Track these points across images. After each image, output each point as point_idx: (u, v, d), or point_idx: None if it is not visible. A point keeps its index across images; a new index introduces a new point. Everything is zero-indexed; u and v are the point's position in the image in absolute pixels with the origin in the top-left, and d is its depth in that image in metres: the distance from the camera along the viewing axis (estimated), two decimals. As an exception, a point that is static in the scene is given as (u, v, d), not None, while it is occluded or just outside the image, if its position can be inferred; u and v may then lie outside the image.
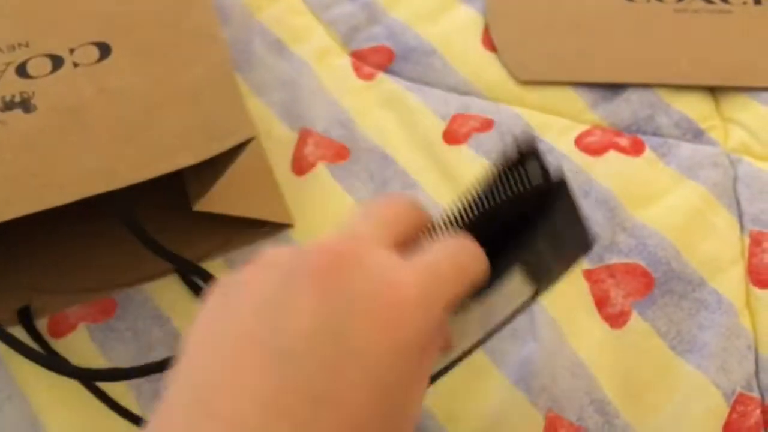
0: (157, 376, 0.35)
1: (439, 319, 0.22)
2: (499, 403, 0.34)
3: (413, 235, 0.25)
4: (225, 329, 0.21)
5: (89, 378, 0.27)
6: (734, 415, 0.33)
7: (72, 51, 0.36)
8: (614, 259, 0.37)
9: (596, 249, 0.38)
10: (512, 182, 0.24)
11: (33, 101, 0.34)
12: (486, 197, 0.24)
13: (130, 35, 0.37)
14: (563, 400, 0.34)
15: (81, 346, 0.37)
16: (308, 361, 0.20)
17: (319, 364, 0.20)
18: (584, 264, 0.37)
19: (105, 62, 0.36)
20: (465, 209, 0.25)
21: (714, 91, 0.45)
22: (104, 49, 0.36)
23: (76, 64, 0.36)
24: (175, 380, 0.22)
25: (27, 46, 0.37)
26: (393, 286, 0.21)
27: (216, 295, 0.23)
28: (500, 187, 0.24)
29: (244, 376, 0.20)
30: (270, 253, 0.23)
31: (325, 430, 0.20)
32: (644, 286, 0.37)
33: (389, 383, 0.21)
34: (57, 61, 0.36)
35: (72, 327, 0.38)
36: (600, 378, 0.34)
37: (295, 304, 0.21)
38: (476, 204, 0.25)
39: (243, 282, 0.23)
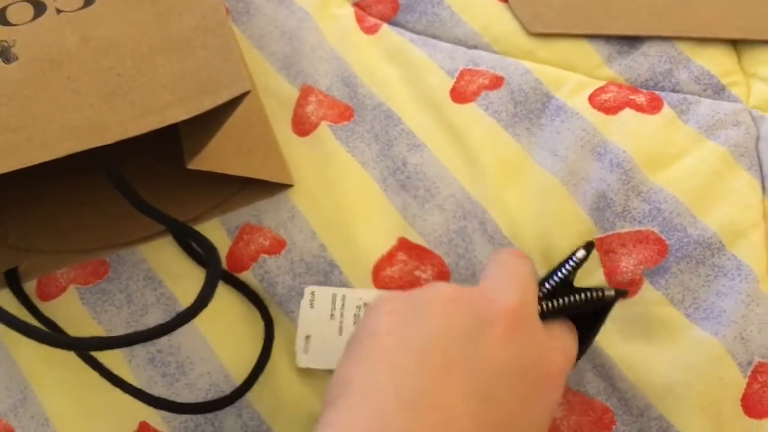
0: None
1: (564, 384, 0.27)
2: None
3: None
4: (427, 346, 0.24)
5: (81, 349, 0.25)
6: (755, 386, 0.31)
7: (55, -4, 0.34)
8: (626, 227, 0.36)
9: (608, 216, 0.36)
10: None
11: (14, 50, 0.32)
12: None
13: (117, -20, 0.34)
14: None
15: (71, 310, 0.36)
16: (503, 396, 0.24)
17: (511, 401, 0.24)
18: (596, 232, 0.36)
19: (90, 8, 0.33)
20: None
21: (737, 44, 0.42)
22: (89, -5, 0.34)
23: (59, 11, 0.33)
24: (369, 374, 0.24)
25: (7, -10, 0.34)
26: (552, 355, 0.26)
27: (399, 317, 0.26)
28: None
29: (449, 393, 0.23)
30: (451, 290, 0.26)
31: None
32: (657, 254, 0.35)
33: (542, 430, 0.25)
34: (39, 7, 0.34)
35: (62, 289, 0.36)
36: (605, 345, 0.33)
37: (491, 342, 0.25)
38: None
39: (430, 309, 0.26)
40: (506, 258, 0.29)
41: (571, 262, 0.29)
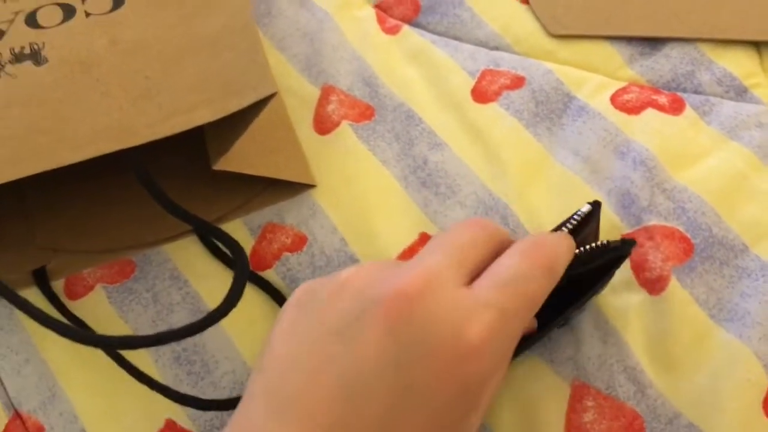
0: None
1: (507, 354, 0.24)
2: (522, 374, 0.33)
3: (490, 258, 0.26)
4: (304, 342, 0.24)
5: (109, 346, 0.26)
6: (777, 388, 0.31)
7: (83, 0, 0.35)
8: (653, 221, 0.36)
9: (634, 211, 0.36)
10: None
11: (44, 53, 0.33)
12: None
13: (144, -17, 0.35)
14: (591, 368, 0.33)
15: (98, 309, 0.36)
16: (374, 393, 0.22)
17: (383, 398, 0.22)
18: (623, 228, 0.36)
19: (118, 11, 0.34)
20: None
21: (759, 46, 0.42)
22: (117, -2, 0.34)
23: (88, 14, 0.34)
24: (257, 378, 0.24)
25: (36, -6, 0.35)
26: (458, 331, 0.23)
27: (298, 305, 0.25)
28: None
29: (317, 396, 0.22)
30: (352, 274, 0.25)
31: None
32: (683, 252, 0.35)
33: (448, 420, 0.23)
34: (68, 11, 0.34)
35: (89, 288, 0.37)
36: (633, 345, 0.33)
37: (363, 336, 0.23)
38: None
39: (324, 298, 0.25)
40: (450, 228, 0.27)
41: (574, 218, 0.28)
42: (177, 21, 0.33)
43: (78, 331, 0.26)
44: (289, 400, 0.23)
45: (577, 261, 0.28)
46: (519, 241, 0.26)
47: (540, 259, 0.25)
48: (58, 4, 0.34)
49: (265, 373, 0.24)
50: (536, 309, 0.25)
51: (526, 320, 0.25)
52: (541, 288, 0.25)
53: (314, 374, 0.23)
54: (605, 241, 0.29)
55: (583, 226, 0.29)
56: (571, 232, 0.29)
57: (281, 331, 0.25)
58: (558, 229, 0.30)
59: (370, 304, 0.23)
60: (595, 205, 0.30)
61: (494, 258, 0.25)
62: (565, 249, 0.26)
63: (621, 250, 0.28)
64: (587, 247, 0.28)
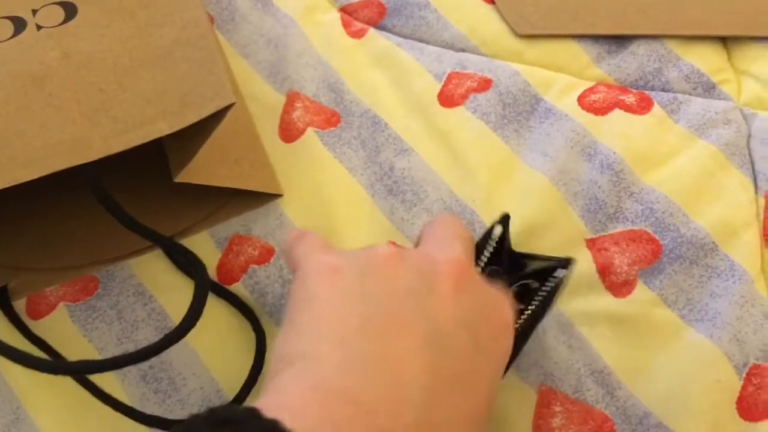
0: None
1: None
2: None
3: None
4: (372, 306, 0.23)
5: (70, 373, 0.25)
6: (750, 388, 0.31)
7: (35, 12, 0.34)
8: (619, 227, 0.35)
9: (600, 217, 0.36)
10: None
11: (-6, 68, 0.32)
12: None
13: (97, -7, 0.34)
14: (558, 373, 0.32)
15: (61, 328, 0.35)
16: (454, 348, 0.23)
17: (462, 354, 0.23)
18: (587, 233, 0.35)
19: (70, 24, 0.33)
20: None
21: (726, 41, 0.42)
22: (69, 10, 0.33)
23: (39, 27, 0.33)
24: (306, 339, 0.23)
25: (-13, 7, 0.34)
26: (501, 304, 0.26)
27: (336, 277, 0.25)
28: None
29: (404, 351, 0.22)
30: (390, 251, 0.26)
31: (463, 411, 0.23)
32: (651, 254, 0.35)
33: (496, 378, 0.25)
34: (19, 24, 0.33)
35: (52, 307, 0.36)
36: (600, 349, 0.33)
37: (439, 297, 0.24)
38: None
39: (372, 269, 0.25)
40: (442, 219, 0.29)
41: (491, 243, 0.30)
42: (131, 32, 0.32)
43: (32, 358, 0.26)
44: (369, 358, 0.22)
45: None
46: None
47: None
48: (8, 18, 0.33)
49: (324, 333, 0.23)
50: None
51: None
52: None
53: (390, 335, 0.23)
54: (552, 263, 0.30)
55: (501, 245, 0.31)
56: (493, 255, 0.30)
57: (332, 298, 0.24)
58: (479, 254, 0.30)
59: (435, 274, 0.25)
60: (505, 221, 0.31)
61: None
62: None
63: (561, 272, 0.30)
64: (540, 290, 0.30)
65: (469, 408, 0.23)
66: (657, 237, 0.35)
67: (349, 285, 0.24)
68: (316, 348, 0.22)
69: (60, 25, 0.33)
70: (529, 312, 0.29)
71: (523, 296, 0.30)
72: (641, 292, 0.34)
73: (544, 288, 0.29)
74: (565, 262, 0.30)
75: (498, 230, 0.30)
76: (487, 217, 0.36)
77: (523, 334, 0.30)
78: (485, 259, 0.30)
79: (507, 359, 0.26)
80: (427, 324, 0.23)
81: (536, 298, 0.29)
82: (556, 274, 0.29)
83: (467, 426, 0.23)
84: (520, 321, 0.29)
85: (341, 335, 0.23)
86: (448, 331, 0.24)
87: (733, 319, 0.32)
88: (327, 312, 0.24)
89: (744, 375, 0.32)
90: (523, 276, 0.30)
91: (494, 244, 0.30)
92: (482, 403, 0.24)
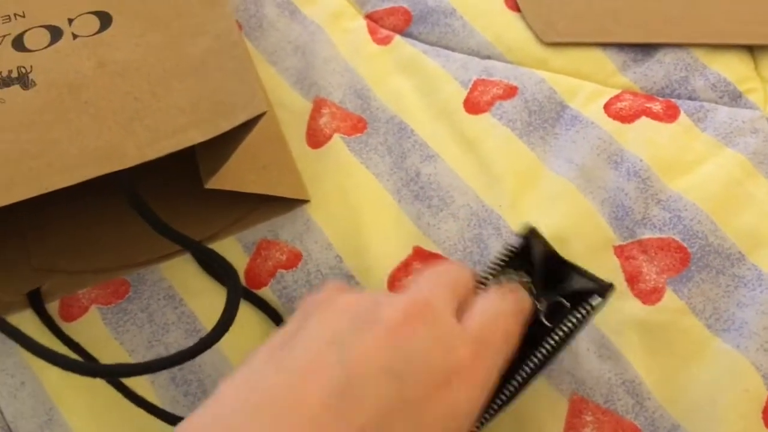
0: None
1: (487, 387, 0.25)
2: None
3: (471, 297, 0.27)
4: (294, 347, 0.24)
5: (104, 376, 0.26)
6: (776, 399, 0.31)
7: (71, 21, 0.34)
8: (647, 234, 0.35)
9: (627, 224, 0.36)
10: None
11: (31, 76, 0.33)
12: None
13: (131, 3, 0.35)
14: (589, 382, 0.32)
15: (93, 330, 0.36)
16: (366, 397, 0.22)
17: (375, 404, 0.22)
18: (615, 240, 0.35)
19: (105, 33, 0.34)
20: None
21: (753, 50, 0.42)
22: (105, 19, 0.34)
23: (75, 36, 0.34)
24: (231, 379, 0.24)
25: (23, 16, 0.35)
26: (451, 352, 0.24)
27: (278, 338, 0.25)
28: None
29: (303, 395, 0.22)
30: (345, 300, 0.25)
31: None
32: (679, 262, 0.35)
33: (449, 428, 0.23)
34: (55, 33, 0.34)
35: (84, 310, 0.37)
36: (630, 358, 0.33)
37: (366, 344, 0.23)
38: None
39: (312, 318, 0.25)
40: (434, 267, 0.28)
41: (503, 256, 0.29)
42: (165, 42, 0.33)
43: (70, 361, 0.26)
44: (269, 398, 0.22)
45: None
46: (492, 288, 0.29)
47: (513, 302, 0.28)
48: (45, 27, 0.34)
49: (242, 372, 0.24)
50: (513, 347, 0.27)
51: (505, 356, 0.26)
52: (517, 326, 0.27)
53: (302, 374, 0.23)
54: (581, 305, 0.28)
55: (522, 256, 0.29)
56: (505, 264, 0.30)
57: (262, 355, 0.25)
58: (494, 265, 0.30)
59: (370, 320, 0.24)
60: (531, 234, 0.30)
61: (470, 290, 0.28)
62: (527, 296, 0.29)
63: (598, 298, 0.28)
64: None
65: None
66: (685, 245, 0.35)
67: (285, 340, 0.25)
68: (221, 387, 0.24)
69: (95, 34, 0.34)
70: (551, 342, 0.28)
71: (553, 314, 0.28)
72: (670, 300, 0.34)
73: (575, 314, 0.28)
74: (604, 289, 0.28)
75: (516, 241, 0.29)
76: (514, 224, 0.37)
77: (545, 356, 0.28)
78: (494, 267, 0.29)
79: (455, 419, 0.24)
80: (341, 371, 0.23)
81: (564, 324, 0.28)
82: (591, 301, 0.28)
83: None
84: (543, 347, 0.28)
85: (253, 375, 0.24)
86: (364, 378, 0.23)
87: (760, 328, 0.32)
88: (257, 352, 0.25)
89: (771, 385, 0.32)
90: (558, 293, 0.29)
91: (506, 252, 0.29)
92: None
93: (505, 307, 0.27)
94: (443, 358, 0.24)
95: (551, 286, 0.29)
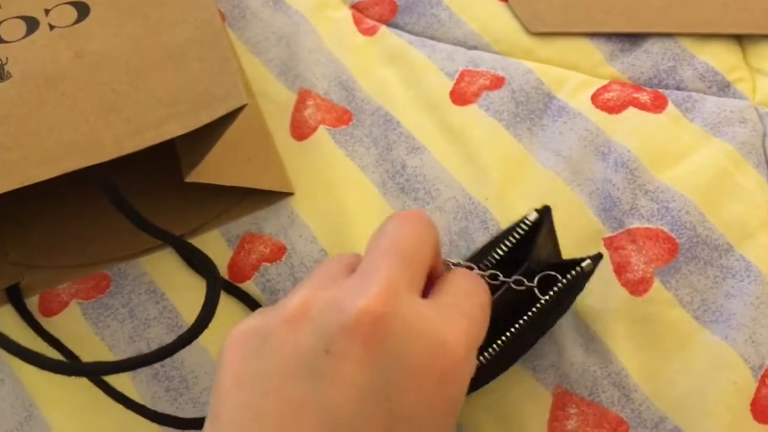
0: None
1: (474, 361, 0.23)
2: (503, 381, 0.32)
3: (435, 257, 0.25)
4: (265, 388, 0.21)
5: (82, 374, 0.25)
6: (764, 390, 0.31)
7: (47, 12, 0.34)
8: (635, 224, 0.35)
9: (615, 214, 0.35)
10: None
11: (7, 68, 0.32)
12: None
13: (109, -8, 0.34)
14: (573, 374, 0.32)
15: (73, 325, 0.36)
16: (363, 422, 0.20)
17: (376, 423, 0.20)
18: (604, 231, 0.35)
19: (83, 23, 0.33)
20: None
21: (741, 39, 0.41)
22: (82, 9, 0.33)
23: (52, 27, 0.33)
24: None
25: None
26: (441, 344, 0.21)
27: (245, 346, 0.22)
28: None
29: None
30: (301, 302, 0.22)
31: None
32: (667, 252, 0.34)
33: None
34: (32, 24, 0.33)
35: (64, 305, 0.36)
36: (616, 350, 0.33)
37: (338, 370, 0.20)
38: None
39: (271, 335, 0.22)
40: (391, 221, 0.24)
41: (520, 228, 0.27)
42: (144, 32, 0.32)
43: (47, 360, 0.26)
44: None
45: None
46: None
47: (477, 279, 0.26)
48: (21, 18, 0.33)
49: (222, 427, 0.21)
50: (488, 318, 0.25)
51: (484, 330, 0.24)
52: (488, 299, 0.25)
53: (285, 424, 0.20)
54: (575, 267, 0.28)
55: (534, 234, 0.28)
56: (522, 240, 0.28)
57: (231, 378, 0.22)
58: (502, 239, 0.28)
59: (336, 332, 0.21)
60: (544, 212, 0.28)
61: (436, 254, 0.25)
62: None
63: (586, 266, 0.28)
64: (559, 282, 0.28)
65: None
66: (673, 236, 0.34)
67: (245, 362, 0.22)
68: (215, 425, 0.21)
69: (73, 24, 0.33)
70: (543, 302, 0.27)
71: (544, 287, 0.28)
72: (658, 291, 0.33)
73: (564, 280, 0.28)
74: (594, 258, 0.28)
75: (533, 216, 0.28)
76: (501, 216, 0.36)
77: (537, 326, 0.28)
78: (497, 257, 0.28)
79: (451, 414, 0.22)
80: (326, 407, 0.20)
81: (555, 287, 0.28)
82: (582, 265, 0.28)
83: None
84: (532, 310, 0.28)
85: (238, 418, 0.21)
86: (352, 411, 0.20)
87: (748, 320, 0.32)
88: (222, 400, 0.22)
89: (759, 376, 0.31)
90: (544, 268, 0.28)
91: (522, 231, 0.28)
92: None
93: (476, 280, 0.25)
94: (430, 350, 0.21)
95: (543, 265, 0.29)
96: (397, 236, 0.24)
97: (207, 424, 0.22)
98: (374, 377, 0.20)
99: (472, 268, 0.27)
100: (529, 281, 0.28)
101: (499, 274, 0.28)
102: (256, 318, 0.23)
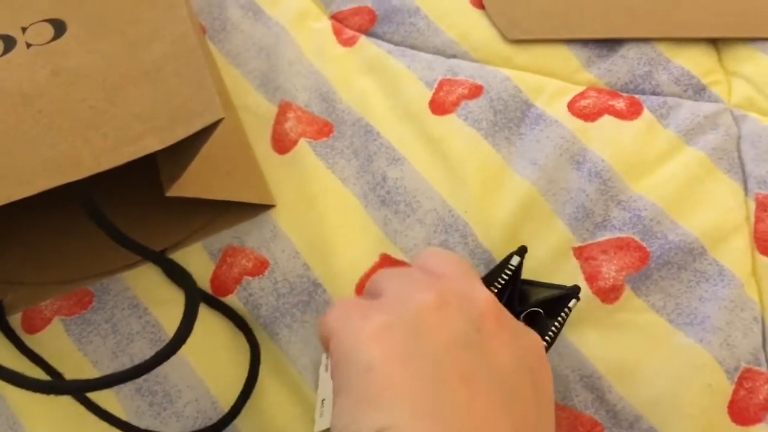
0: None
1: None
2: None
3: None
4: (436, 360, 0.23)
5: (62, 393, 0.25)
6: (741, 392, 0.31)
7: (24, 30, 0.34)
8: (607, 236, 0.35)
9: (587, 226, 0.36)
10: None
11: (-16, 87, 0.32)
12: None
13: (85, 9, 0.34)
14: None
15: (57, 342, 0.36)
16: (521, 393, 0.23)
17: (530, 398, 0.24)
18: (574, 241, 0.35)
19: (60, 41, 0.33)
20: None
21: (716, 43, 0.42)
22: (59, 27, 0.34)
23: (29, 45, 0.33)
24: (377, 414, 0.22)
25: (-24, 26, 0.34)
26: (533, 335, 0.26)
27: (386, 340, 0.23)
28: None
29: (479, 407, 0.22)
30: (436, 297, 0.25)
31: None
32: (638, 260, 0.35)
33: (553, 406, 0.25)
34: (8, 42, 0.33)
35: (47, 321, 0.36)
36: (589, 354, 0.33)
37: (490, 344, 0.24)
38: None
39: (419, 324, 0.24)
40: (446, 253, 0.28)
41: (506, 272, 0.30)
42: (120, 49, 0.33)
43: (28, 379, 0.26)
44: (456, 419, 0.21)
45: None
46: None
47: None
48: (-2, 36, 0.34)
49: (396, 399, 0.22)
50: None
51: None
52: None
53: (466, 382, 0.22)
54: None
55: (515, 276, 0.31)
56: (507, 283, 0.30)
57: (389, 359, 0.22)
58: (494, 281, 0.30)
59: (478, 316, 0.24)
60: (521, 252, 0.31)
61: None
62: None
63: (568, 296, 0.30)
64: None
65: None
66: (644, 244, 0.35)
67: (402, 344, 0.23)
68: (396, 420, 0.21)
69: (49, 42, 0.33)
70: (546, 343, 0.29)
71: (530, 324, 0.29)
72: (629, 298, 0.34)
73: (559, 319, 0.29)
74: (573, 292, 0.30)
75: (516, 260, 0.30)
76: (480, 229, 0.36)
77: None
78: (495, 290, 0.30)
79: (552, 398, 0.26)
80: (491, 375, 0.23)
81: (552, 328, 0.29)
82: (570, 306, 0.29)
83: None
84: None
85: (418, 402, 0.21)
86: (510, 376, 0.23)
87: (723, 323, 0.33)
88: (391, 378, 0.22)
89: (736, 379, 0.32)
90: (530, 305, 0.30)
91: (510, 273, 0.30)
92: None
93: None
94: (532, 343, 0.26)
95: (522, 302, 0.31)
96: (452, 256, 0.28)
97: (364, 405, 0.22)
98: (514, 351, 0.24)
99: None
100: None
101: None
102: (374, 315, 0.24)
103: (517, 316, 0.30)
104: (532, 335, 0.26)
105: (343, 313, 0.25)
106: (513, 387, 0.23)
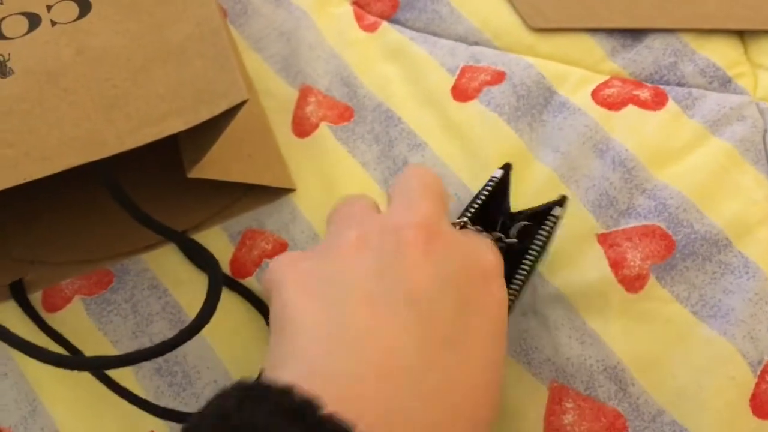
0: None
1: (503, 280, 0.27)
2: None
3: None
4: (348, 290, 0.23)
5: (85, 369, 0.26)
6: (763, 386, 0.31)
7: (49, 8, 0.34)
8: (632, 223, 0.35)
9: (611, 213, 0.35)
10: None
11: (9, 64, 0.32)
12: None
13: (111, -11, 0.34)
14: (569, 369, 0.32)
15: (76, 321, 0.36)
16: (438, 309, 0.23)
17: (449, 311, 0.23)
18: (598, 228, 0.35)
19: (84, 20, 0.33)
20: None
21: (743, 35, 0.41)
22: (84, 5, 0.34)
23: (54, 23, 0.33)
24: (293, 338, 0.23)
25: (2, 3, 0.34)
26: (481, 253, 0.26)
27: (303, 282, 0.24)
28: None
29: (389, 324, 0.22)
30: (354, 237, 0.25)
31: (461, 372, 0.23)
32: (664, 249, 0.34)
33: (496, 335, 0.25)
34: (34, 20, 0.33)
35: (67, 300, 0.36)
36: (612, 345, 0.33)
37: (408, 266, 0.24)
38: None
39: (334, 265, 0.25)
40: (412, 171, 0.29)
41: (488, 186, 0.31)
42: (145, 29, 0.33)
43: (50, 354, 0.26)
44: (355, 338, 0.22)
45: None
46: None
47: None
48: (24, 14, 0.33)
49: (305, 326, 0.23)
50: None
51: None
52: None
53: (371, 311, 0.23)
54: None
55: (503, 190, 0.32)
56: (490, 196, 0.32)
57: (303, 295, 0.24)
58: (479, 195, 0.32)
59: (397, 238, 0.24)
60: (506, 168, 0.32)
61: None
62: None
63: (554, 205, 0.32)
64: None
65: (466, 370, 0.23)
66: (670, 233, 0.35)
67: (317, 283, 0.24)
68: (298, 346, 0.23)
69: (74, 21, 0.33)
70: (532, 254, 0.30)
71: (522, 236, 0.31)
72: (653, 287, 0.34)
73: (544, 226, 0.31)
74: (560, 201, 0.31)
75: (498, 173, 0.31)
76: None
77: (525, 276, 0.31)
78: (475, 207, 0.31)
79: (502, 309, 0.26)
80: (403, 298, 0.23)
81: (538, 236, 0.31)
82: (554, 213, 0.31)
83: (466, 389, 0.23)
84: (524, 263, 0.30)
85: (318, 328, 0.23)
86: (427, 293, 0.23)
87: (747, 316, 0.32)
88: (301, 312, 0.23)
89: (759, 372, 0.31)
90: (521, 219, 0.32)
91: (492, 186, 0.31)
92: (479, 365, 0.23)
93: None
94: (475, 261, 0.25)
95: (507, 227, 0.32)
96: (426, 181, 0.28)
97: (279, 339, 0.23)
98: (440, 268, 0.24)
99: (481, 231, 0.31)
100: (504, 233, 0.31)
101: (502, 235, 0.31)
102: (299, 262, 0.26)
103: (501, 227, 0.32)
104: (479, 260, 0.26)
105: (278, 265, 0.26)
106: (428, 308, 0.23)
